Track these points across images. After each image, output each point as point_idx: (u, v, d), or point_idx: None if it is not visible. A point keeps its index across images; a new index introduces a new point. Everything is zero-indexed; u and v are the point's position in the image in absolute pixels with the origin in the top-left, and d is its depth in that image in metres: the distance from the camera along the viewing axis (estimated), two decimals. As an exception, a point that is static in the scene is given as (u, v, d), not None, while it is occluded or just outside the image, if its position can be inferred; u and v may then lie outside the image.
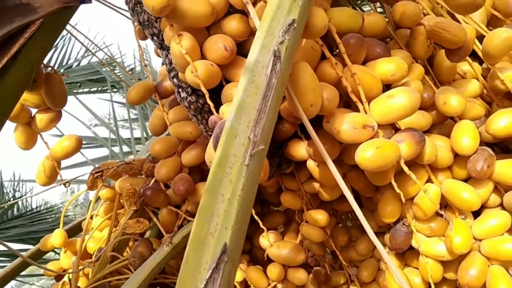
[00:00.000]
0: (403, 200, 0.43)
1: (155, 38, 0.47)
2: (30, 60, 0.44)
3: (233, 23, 0.43)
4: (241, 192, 0.28)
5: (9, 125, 0.54)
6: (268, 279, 0.59)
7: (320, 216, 0.55)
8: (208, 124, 0.41)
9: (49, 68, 0.53)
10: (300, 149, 0.50)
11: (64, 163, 0.63)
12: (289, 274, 0.58)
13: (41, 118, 0.56)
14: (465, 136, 0.45)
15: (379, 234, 0.56)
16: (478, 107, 0.48)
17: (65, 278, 0.67)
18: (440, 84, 0.51)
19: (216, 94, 0.45)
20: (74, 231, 0.79)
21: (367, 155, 0.39)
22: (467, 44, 0.45)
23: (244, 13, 0.43)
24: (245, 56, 0.44)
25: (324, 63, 0.42)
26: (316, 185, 0.54)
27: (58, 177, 0.62)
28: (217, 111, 0.43)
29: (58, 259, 0.70)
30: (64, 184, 0.61)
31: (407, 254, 0.53)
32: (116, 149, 1.62)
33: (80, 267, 0.63)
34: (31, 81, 0.49)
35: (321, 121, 0.44)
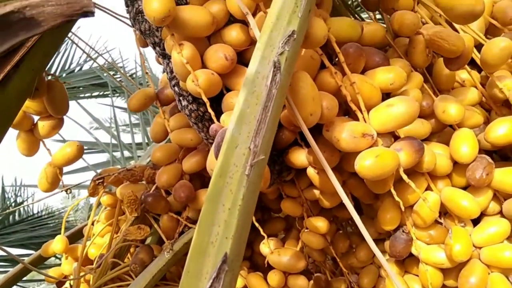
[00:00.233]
0: (403, 208, 0.43)
1: (156, 47, 0.48)
2: (33, 68, 0.45)
3: (233, 33, 0.43)
4: (241, 202, 0.28)
5: (11, 130, 0.54)
6: (268, 286, 0.59)
7: (320, 223, 0.55)
8: (209, 132, 0.41)
9: (51, 76, 0.54)
10: (300, 157, 0.50)
11: (65, 168, 0.63)
12: (289, 281, 0.58)
13: (43, 125, 0.57)
14: (464, 144, 0.45)
15: (379, 241, 0.56)
16: (477, 115, 0.48)
17: (67, 285, 0.67)
18: (439, 92, 0.52)
19: (217, 102, 0.46)
20: (76, 236, 0.79)
21: (367, 164, 0.39)
22: (465, 53, 0.45)
23: (245, 23, 0.44)
24: (246, 65, 0.45)
25: (324, 72, 0.43)
26: (317, 192, 0.54)
27: (60, 183, 0.62)
28: (218, 119, 0.43)
29: (60, 264, 0.70)
30: (66, 191, 0.61)
31: (407, 261, 0.53)
32: (117, 154, 1.62)
33: (81, 274, 0.63)
34: (33, 89, 0.50)
35: (321, 128, 0.44)
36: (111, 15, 0.62)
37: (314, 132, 0.42)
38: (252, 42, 0.44)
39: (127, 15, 0.50)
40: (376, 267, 0.59)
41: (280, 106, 0.32)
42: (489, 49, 0.46)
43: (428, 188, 0.48)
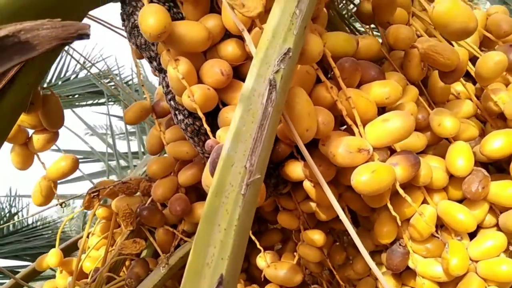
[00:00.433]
0: (399, 223, 0.43)
1: (152, 61, 0.48)
2: (28, 83, 0.45)
3: (229, 48, 0.43)
4: (237, 222, 0.28)
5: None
6: (265, 300, 0.59)
7: (317, 236, 0.55)
8: (205, 147, 0.41)
9: (46, 89, 0.53)
10: (296, 170, 0.50)
11: (60, 177, 0.62)
12: (286, 295, 0.57)
13: (38, 139, 0.56)
14: (460, 158, 0.46)
15: (376, 252, 0.56)
16: (472, 128, 0.49)
17: (61, 299, 0.66)
18: (434, 105, 0.52)
19: (213, 116, 0.46)
20: (70, 249, 0.78)
21: (363, 179, 0.39)
22: (460, 66, 0.45)
23: (240, 38, 0.44)
24: (242, 79, 0.45)
25: (319, 87, 0.43)
26: (313, 205, 0.54)
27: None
28: (214, 134, 0.43)
29: (54, 275, 0.69)
30: (61, 205, 0.61)
31: (404, 274, 0.53)
32: (113, 163, 1.61)
33: (76, 288, 0.62)
34: (28, 103, 0.50)
35: (317, 142, 0.44)
36: (108, 27, 0.62)
37: (310, 145, 0.42)
38: (248, 57, 0.44)
39: (123, 28, 0.50)
40: (373, 279, 0.59)
41: (276, 124, 0.32)
42: (484, 62, 0.46)
43: (424, 201, 0.48)
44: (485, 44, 0.56)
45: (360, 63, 0.45)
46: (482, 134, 0.51)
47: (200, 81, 0.43)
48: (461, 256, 0.44)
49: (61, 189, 0.61)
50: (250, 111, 0.31)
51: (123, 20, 0.48)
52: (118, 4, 0.49)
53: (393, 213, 0.42)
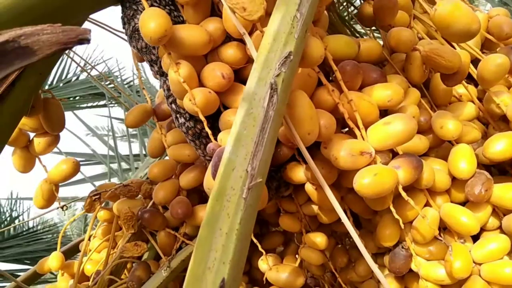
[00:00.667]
0: (402, 226, 0.43)
1: (153, 64, 0.48)
2: (28, 87, 0.45)
3: (230, 51, 0.43)
4: (239, 226, 0.28)
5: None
6: (267, 303, 0.58)
7: (319, 238, 0.55)
8: (206, 150, 0.41)
9: (47, 93, 0.53)
10: (298, 173, 0.50)
11: (61, 180, 0.62)
12: (288, 297, 0.57)
13: (39, 142, 0.56)
14: (463, 160, 0.45)
15: (379, 254, 0.55)
16: (474, 131, 0.48)
17: (62, 302, 0.66)
18: (436, 107, 0.52)
19: (214, 119, 0.45)
20: (72, 252, 0.78)
21: (365, 182, 0.39)
22: (462, 69, 0.45)
23: (242, 41, 0.44)
24: (243, 82, 0.45)
25: (321, 90, 0.43)
26: (315, 207, 0.54)
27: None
28: (215, 137, 0.43)
29: (55, 278, 0.69)
30: (62, 208, 0.61)
31: (407, 277, 0.52)
32: (114, 166, 1.61)
33: (78, 291, 0.62)
34: (29, 107, 0.50)
35: (318, 145, 0.44)
36: (108, 30, 0.62)
37: (312, 148, 0.41)
38: (249, 60, 0.44)
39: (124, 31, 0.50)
40: (375, 282, 0.58)
41: (277, 127, 0.32)
42: (486, 65, 0.46)
43: (427, 204, 0.47)
44: (487, 47, 0.56)
45: (362, 65, 0.45)
46: (485, 136, 0.51)
47: (201, 84, 0.43)
48: (465, 259, 0.44)
49: (63, 192, 0.60)
50: (251, 115, 0.31)
51: (123, 23, 0.48)
52: (119, 7, 0.49)
53: (396, 215, 0.42)
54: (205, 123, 0.40)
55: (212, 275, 0.27)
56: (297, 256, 0.59)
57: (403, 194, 0.41)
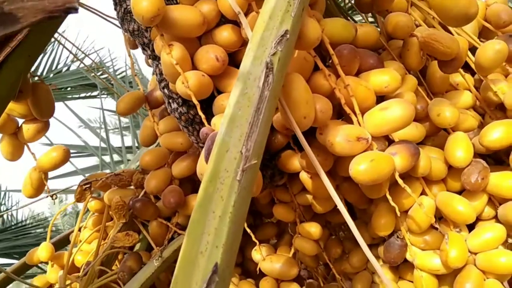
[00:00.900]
0: (398, 213, 0.42)
1: (145, 48, 0.46)
2: (17, 69, 0.43)
3: (224, 33, 0.42)
4: (232, 209, 0.27)
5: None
6: (260, 293, 0.58)
7: (313, 228, 0.54)
8: (200, 136, 0.40)
9: (36, 78, 0.52)
10: (293, 161, 0.49)
11: (53, 172, 0.61)
12: (282, 288, 0.57)
13: (28, 129, 0.55)
14: (459, 149, 0.45)
15: (373, 246, 0.55)
16: (471, 119, 0.48)
17: (52, 293, 0.65)
18: (432, 95, 0.51)
19: (207, 104, 0.44)
20: (62, 243, 0.77)
21: (362, 169, 0.38)
22: (460, 55, 0.45)
23: (236, 23, 0.43)
24: (237, 66, 0.44)
25: (317, 74, 0.42)
26: (309, 197, 0.53)
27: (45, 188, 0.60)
28: (209, 122, 0.42)
29: (42, 273, 0.68)
30: (51, 196, 0.59)
31: (401, 267, 0.52)
32: (106, 158, 1.59)
33: (68, 282, 0.61)
34: (17, 91, 0.48)
35: (314, 132, 0.43)
36: (99, 15, 0.61)
37: (307, 135, 0.40)
38: (244, 43, 0.43)
39: (115, 16, 0.49)
40: (369, 273, 0.58)
41: (273, 108, 0.31)
42: (484, 52, 0.45)
43: (422, 193, 0.47)
44: (484, 35, 0.56)
45: (359, 51, 0.44)
46: (481, 126, 0.50)
47: (194, 67, 0.42)
48: (460, 248, 0.43)
49: (54, 184, 0.59)
50: (246, 95, 0.30)
51: (115, 5, 0.47)
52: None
53: (392, 203, 0.41)
54: (198, 107, 0.39)
55: (204, 259, 0.26)
56: (291, 247, 0.59)
57: (400, 181, 0.40)
